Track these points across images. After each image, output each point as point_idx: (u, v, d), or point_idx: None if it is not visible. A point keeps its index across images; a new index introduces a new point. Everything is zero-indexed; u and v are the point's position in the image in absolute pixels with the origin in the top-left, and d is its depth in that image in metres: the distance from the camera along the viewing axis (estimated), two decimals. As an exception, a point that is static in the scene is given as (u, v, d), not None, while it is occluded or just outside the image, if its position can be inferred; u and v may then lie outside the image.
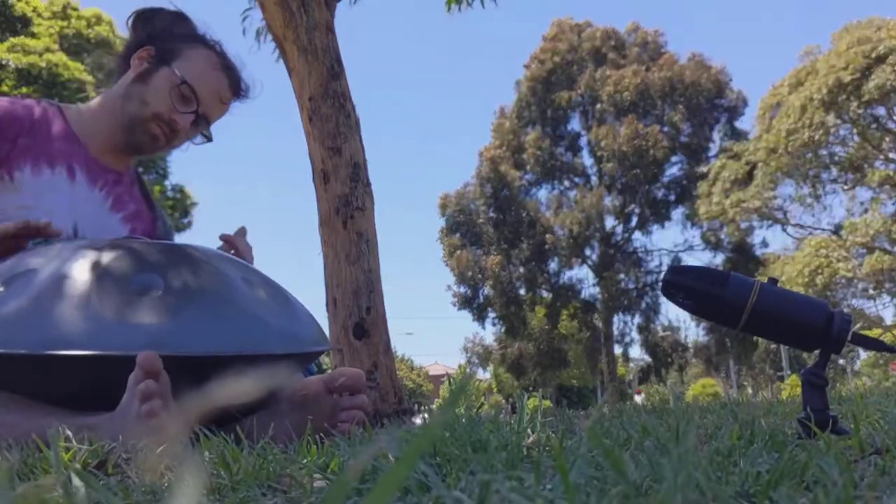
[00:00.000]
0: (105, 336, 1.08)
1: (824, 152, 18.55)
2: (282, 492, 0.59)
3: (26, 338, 1.07)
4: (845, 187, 19.31)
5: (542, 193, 24.08)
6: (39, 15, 13.43)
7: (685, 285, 0.91)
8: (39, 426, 0.95)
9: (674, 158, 23.27)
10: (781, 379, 27.26)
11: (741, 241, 21.99)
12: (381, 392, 2.29)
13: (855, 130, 18.05)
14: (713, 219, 20.80)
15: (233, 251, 1.59)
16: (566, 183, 24.10)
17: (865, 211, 18.59)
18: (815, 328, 0.87)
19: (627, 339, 23.95)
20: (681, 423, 0.73)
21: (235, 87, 1.69)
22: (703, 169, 21.75)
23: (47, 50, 12.40)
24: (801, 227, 20.41)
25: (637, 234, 23.91)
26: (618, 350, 24.25)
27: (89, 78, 12.18)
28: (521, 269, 23.41)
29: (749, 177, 19.67)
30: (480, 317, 23.89)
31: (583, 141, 23.98)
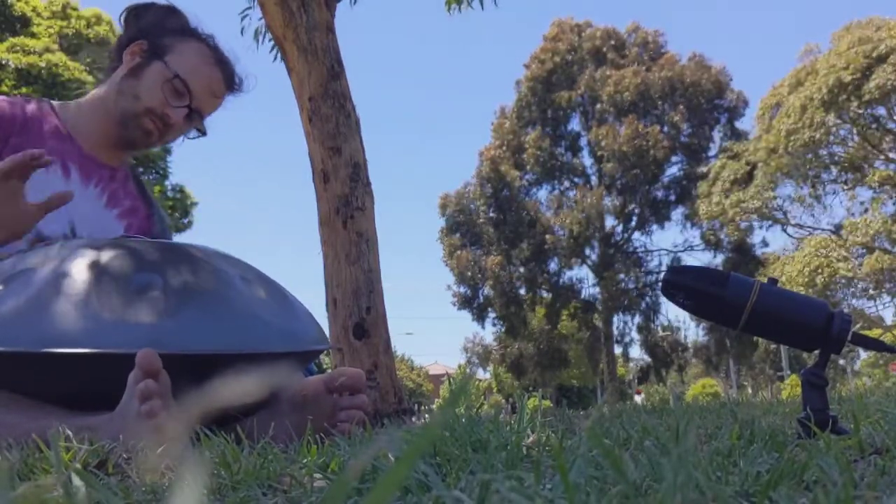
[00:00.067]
0: (104, 334, 1.08)
1: (824, 152, 18.55)
2: (282, 492, 0.59)
3: (25, 336, 1.07)
4: (845, 187, 19.31)
5: (542, 193, 24.12)
6: (39, 15, 13.43)
7: (685, 285, 0.91)
8: (39, 426, 0.95)
9: (674, 158, 23.28)
10: (781, 379, 27.26)
11: (741, 241, 21.99)
12: (381, 392, 2.29)
13: (855, 130, 18.06)
14: (713, 219, 20.80)
15: None
16: (566, 183, 24.11)
17: (865, 211, 18.60)
18: (815, 328, 0.87)
19: (627, 339, 23.99)
20: (681, 423, 0.73)
21: (228, 81, 1.68)
22: (703, 169, 21.76)
23: (47, 50, 12.40)
24: (801, 227, 20.42)
25: (637, 234, 23.94)
26: (618, 350, 24.26)
27: (89, 78, 12.17)
28: (521, 269, 23.41)
29: (749, 177, 19.67)
30: (480, 317, 23.90)
31: (583, 141, 23.99)
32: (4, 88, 11.48)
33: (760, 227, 21.18)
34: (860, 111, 17.18)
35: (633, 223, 23.72)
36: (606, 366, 23.50)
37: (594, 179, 23.81)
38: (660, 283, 0.96)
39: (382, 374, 2.31)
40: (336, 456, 0.70)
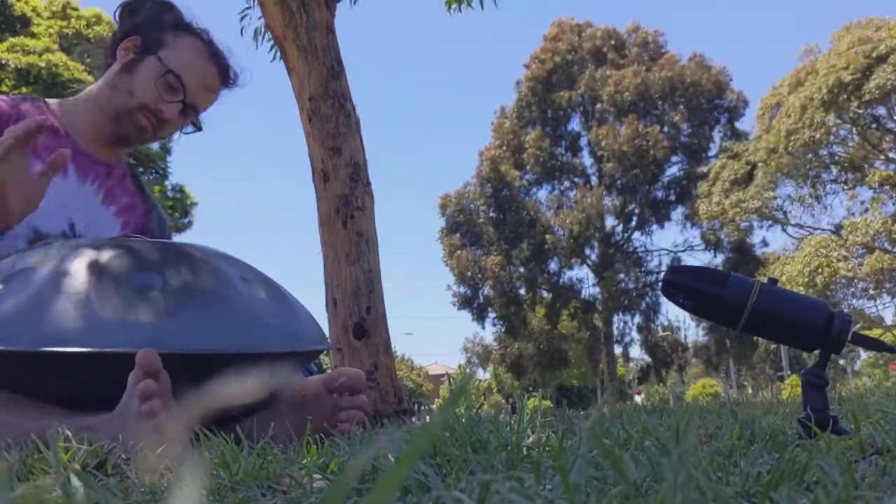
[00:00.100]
0: (104, 334, 1.08)
1: (824, 152, 18.56)
2: (282, 492, 0.59)
3: (24, 335, 1.07)
4: (845, 187, 19.31)
5: (542, 193, 24.12)
6: (39, 15, 13.43)
7: (685, 285, 0.91)
8: (39, 426, 0.94)
9: (674, 158, 23.29)
10: (781, 379, 27.27)
11: (741, 241, 21.98)
12: (381, 392, 2.29)
13: (855, 130, 18.06)
14: (713, 219, 20.79)
15: None
16: (566, 183, 24.11)
17: (865, 211, 18.59)
18: (815, 328, 0.87)
19: (627, 339, 23.98)
20: (681, 423, 0.73)
21: (223, 75, 1.67)
22: (703, 169, 21.76)
23: (47, 50, 12.40)
24: (801, 227, 20.41)
25: (637, 234, 23.94)
26: (618, 350, 24.26)
27: (90, 78, 12.17)
28: (521, 269, 23.41)
29: (749, 177, 19.67)
30: (480, 317, 23.90)
31: (583, 141, 23.99)
32: (4, 88, 11.49)
33: (760, 227, 21.19)
34: (860, 111, 17.18)
35: (633, 223, 23.73)
36: (606, 366, 23.50)
37: (594, 179, 23.82)
38: (660, 283, 0.96)
39: (382, 375, 2.31)
40: (336, 456, 0.70)
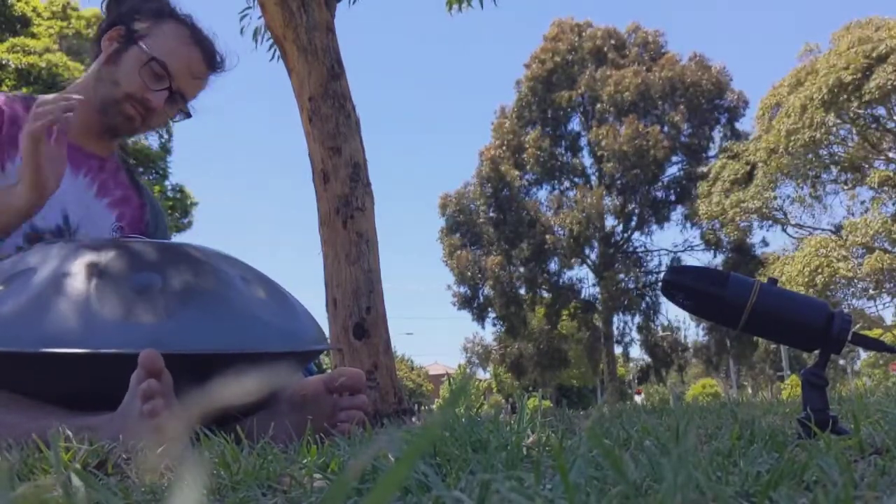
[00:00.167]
0: (104, 335, 1.08)
1: (824, 152, 18.55)
2: (282, 492, 0.59)
3: (25, 335, 1.07)
4: (845, 187, 19.30)
5: (542, 193, 24.11)
6: (39, 15, 13.43)
7: (685, 285, 0.91)
8: (40, 426, 0.95)
9: (674, 158, 23.27)
10: (781, 379, 27.27)
11: (741, 241, 21.97)
12: (381, 392, 2.29)
13: (855, 130, 18.05)
14: (713, 219, 20.79)
15: None
16: (566, 183, 24.10)
17: (865, 211, 18.58)
18: (815, 328, 0.87)
19: (627, 339, 23.97)
20: (681, 423, 0.73)
21: (209, 60, 1.65)
22: (703, 169, 21.75)
23: (47, 50, 12.40)
24: (801, 227, 20.41)
25: (637, 234, 23.92)
26: (618, 350, 24.25)
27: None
28: (521, 269, 23.40)
29: (749, 177, 19.66)
30: (480, 317, 23.90)
31: (583, 141, 23.98)
32: (4, 88, 11.48)
33: (760, 227, 21.17)
34: (860, 111, 17.17)
35: (633, 223, 23.71)
36: (606, 366, 23.49)
37: (594, 179, 23.81)
38: (660, 283, 0.96)
39: (382, 375, 2.31)
40: (336, 456, 0.70)
